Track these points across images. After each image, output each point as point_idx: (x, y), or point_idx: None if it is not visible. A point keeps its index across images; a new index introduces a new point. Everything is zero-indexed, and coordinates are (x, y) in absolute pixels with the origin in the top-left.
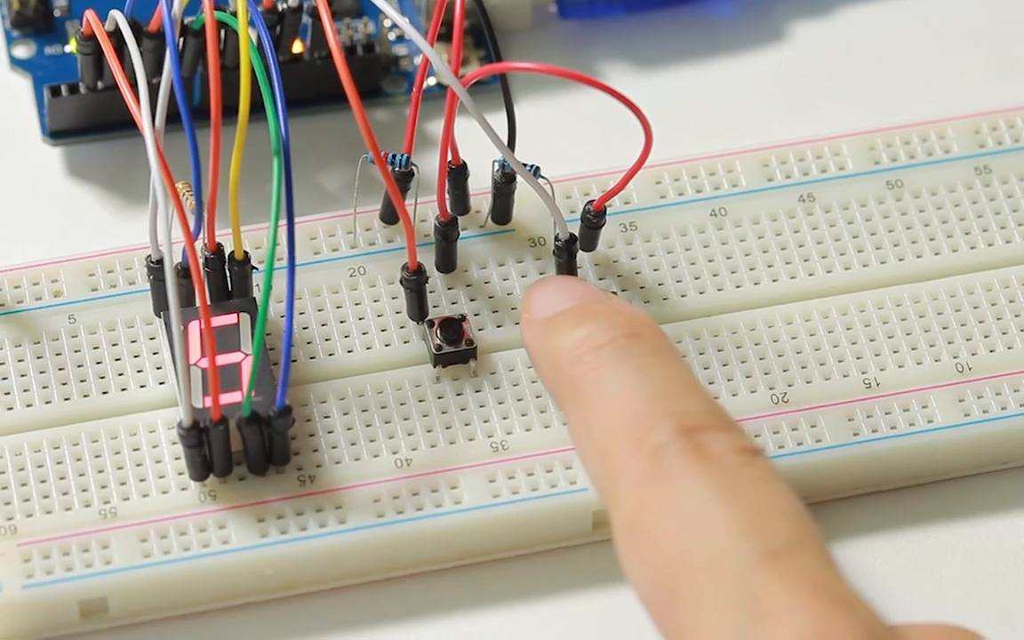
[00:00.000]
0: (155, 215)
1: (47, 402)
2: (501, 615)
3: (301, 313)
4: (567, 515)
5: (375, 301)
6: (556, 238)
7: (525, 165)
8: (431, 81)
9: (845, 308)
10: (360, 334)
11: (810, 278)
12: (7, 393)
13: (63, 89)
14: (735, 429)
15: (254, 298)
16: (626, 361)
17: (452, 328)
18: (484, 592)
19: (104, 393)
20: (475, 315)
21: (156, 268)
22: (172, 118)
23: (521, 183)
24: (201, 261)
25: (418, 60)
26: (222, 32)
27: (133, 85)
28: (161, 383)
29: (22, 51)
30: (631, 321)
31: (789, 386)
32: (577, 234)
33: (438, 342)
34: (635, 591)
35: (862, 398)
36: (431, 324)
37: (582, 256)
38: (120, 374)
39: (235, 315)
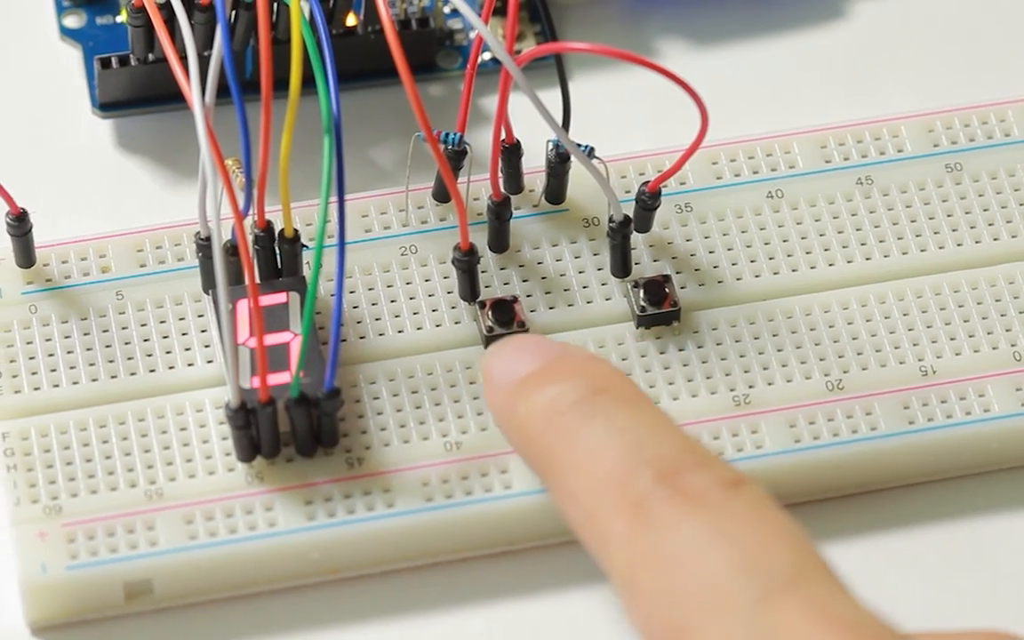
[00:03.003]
0: (204, 192)
1: (93, 380)
2: (549, 602)
3: (351, 292)
4: None
5: (426, 280)
6: (610, 219)
7: (579, 145)
8: (486, 56)
9: (902, 293)
10: (411, 314)
11: (867, 262)
12: (53, 370)
13: (113, 61)
14: (714, 463)
15: (303, 277)
16: (594, 420)
17: (504, 310)
18: (533, 578)
19: (151, 371)
20: (527, 297)
21: (204, 245)
22: (223, 92)
23: (575, 162)
24: (250, 239)
25: (472, 34)
26: (274, 5)
27: (183, 58)
28: (209, 362)
29: (73, 21)
30: (594, 376)
31: (844, 372)
32: (632, 215)
33: (489, 324)
34: None
35: (918, 386)
36: (483, 305)
37: (636, 237)
38: (168, 352)
39: (284, 294)
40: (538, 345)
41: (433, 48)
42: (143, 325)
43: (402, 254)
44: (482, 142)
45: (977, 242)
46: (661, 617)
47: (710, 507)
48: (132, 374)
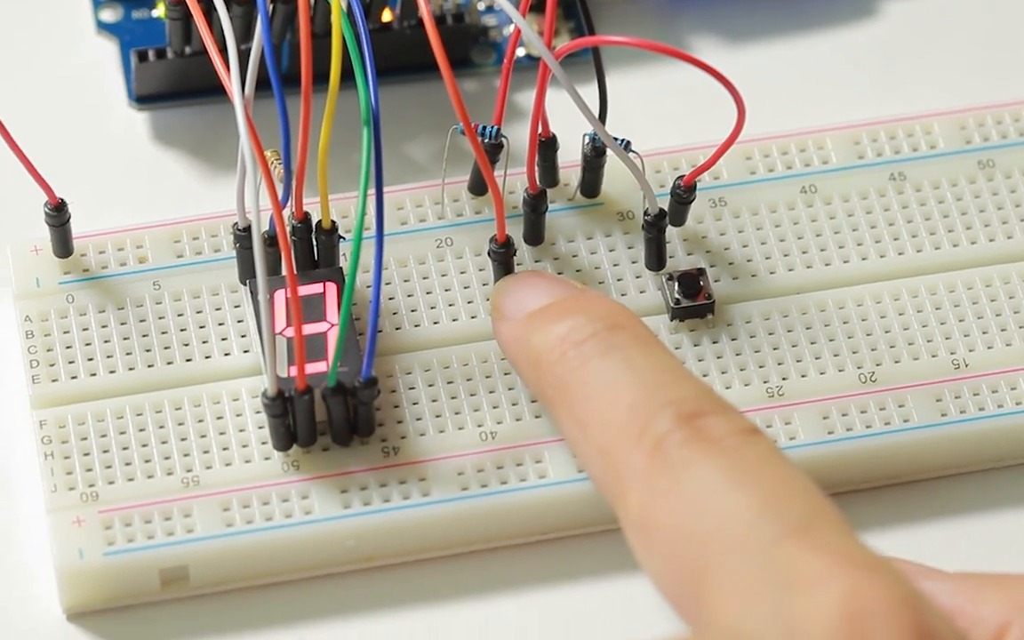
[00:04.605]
0: (243, 182)
1: (131, 369)
2: (585, 590)
3: (387, 283)
4: None
5: (462, 273)
6: (645, 213)
7: (616, 139)
8: (520, 52)
9: (934, 288)
10: (446, 306)
11: (900, 257)
12: (91, 359)
13: (150, 54)
14: (732, 411)
15: (340, 268)
16: (611, 354)
17: None
18: (568, 567)
19: (188, 360)
20: None
21: (243, 236)
22: (260, 85)
23: (610, 156)
24: (288, 230)
25: (507, 30)
26: None
27: (222, 51)
28: (245, 351)
29: (109, 14)
30: (610, 312)
31: (877, 365)
32: (667, 208)
33: None
34: (656, 586)
35: (950, 379)
36: None
37: (670, 231)
38: (204, 342)
39: (321, 285)
40: (550, 281)
41: (468, 44)
42: (180, 315)
43: (438, 246)
44: (516, 137)
45: (1009, 238)
46: (677, 557)
47: (728, 452)
48: (169, 363)
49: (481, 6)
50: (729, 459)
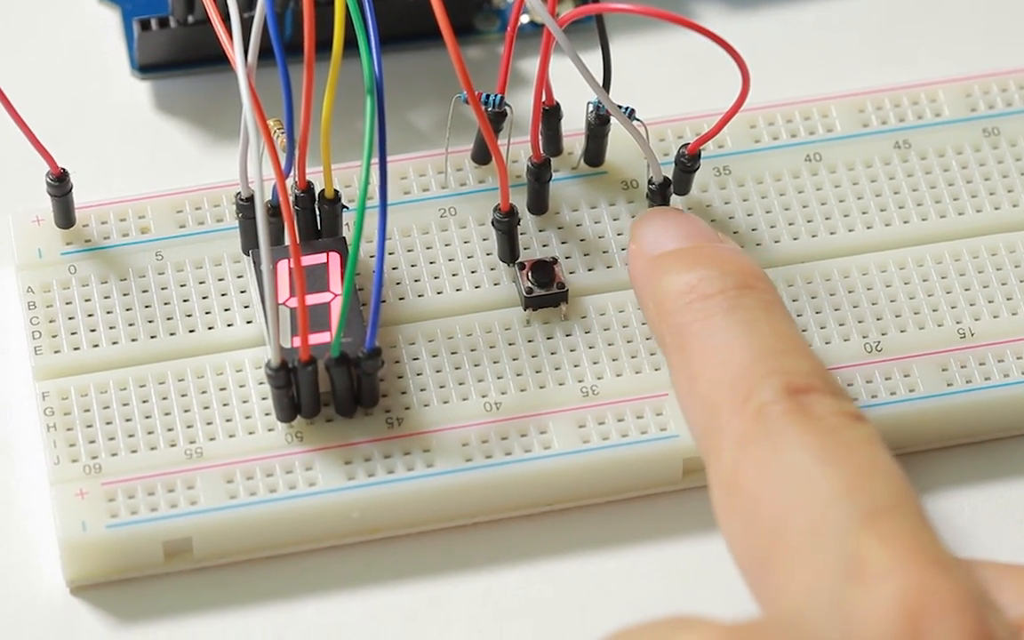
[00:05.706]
0: (246, 152)
1: (133, 340)
2: (588, 561)
3: (391, 253)
4: (657, 462)
5: (465, 242)
6: (650, 181)
7: (620, 107)
8: (523, 20)
9: (940, 257)
10: (450, 275)
11: (905, 226)
12: (93, 330)
13: (153, 23)
14: (841, 394)
15: (343, 238)
16: (735, 314)
17: (543, 271)
18: (572, 538)
19: (191, 331)
20: (566, 258)
21: (245, 206)
22: (263, 54)
23: (614, 124)
24: (291, 199)
25: None
26: None
27: (225, 19)
28: (248, 322)
29: None
30: (743, 272)
31: (883, 335)
32: (671, 177)
33: (529, 285)
34: (729, 547)
35: (956, 348)
36: (522, 266)
37: (675, 200)
38: (207, 313)
39: (324, 255)
40: (693, 225)
41: (471, 11)
42: (182, 286)
43: (441, 216)
44: (520, 105)
45: (1014, 205)
46: (755, 523)
47: (825, 430)
48: (171, 334)
49: None
50: (825, 438)
